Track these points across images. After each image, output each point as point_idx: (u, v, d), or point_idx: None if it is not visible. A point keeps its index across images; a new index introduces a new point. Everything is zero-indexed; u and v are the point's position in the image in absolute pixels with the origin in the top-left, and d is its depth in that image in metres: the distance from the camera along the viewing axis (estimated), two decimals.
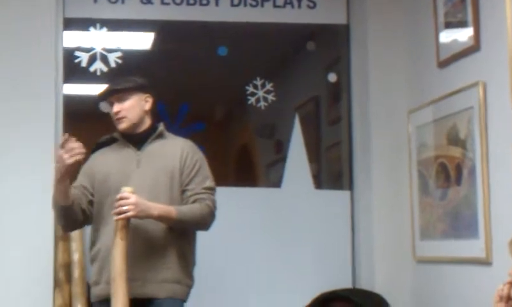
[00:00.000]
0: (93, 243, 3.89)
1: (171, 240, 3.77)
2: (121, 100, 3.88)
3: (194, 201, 3.80)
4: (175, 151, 3.87)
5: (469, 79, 4.07)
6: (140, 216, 3.62)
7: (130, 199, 3.58)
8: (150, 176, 3.81)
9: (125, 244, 3.58)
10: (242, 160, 5.35)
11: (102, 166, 3.87)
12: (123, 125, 3.88)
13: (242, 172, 5.32)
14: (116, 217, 3.59)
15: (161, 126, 3.97)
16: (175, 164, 3.82)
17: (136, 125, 3.90)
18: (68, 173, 3.67)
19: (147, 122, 3.94)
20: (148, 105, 3.93)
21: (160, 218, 3.69)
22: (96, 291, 3.82)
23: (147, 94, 3.93)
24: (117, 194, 3.66)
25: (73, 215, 3.80)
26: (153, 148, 3.89)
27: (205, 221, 3.82)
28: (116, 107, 3.88)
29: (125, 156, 3.88)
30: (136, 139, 3.90)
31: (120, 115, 3.87)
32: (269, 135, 5.33)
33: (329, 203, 5.08)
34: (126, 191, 3.62)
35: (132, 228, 3.67)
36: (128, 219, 3.61)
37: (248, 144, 5.37)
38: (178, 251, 3.80)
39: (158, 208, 3.67)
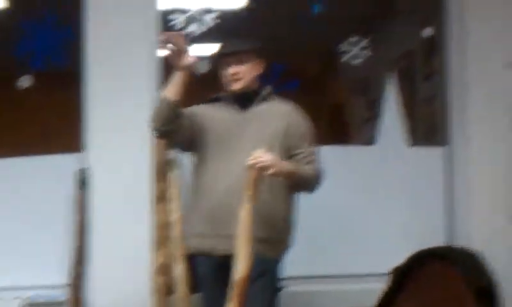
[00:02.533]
0: (194, 192, 3.95)
1: (264, 200, 3.76)
2: (241, 61, 3.90)
3: (306, 163, 3.85)
4: (280, 114, 3.90)
5: None
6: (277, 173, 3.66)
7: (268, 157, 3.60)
8: (253, 138, 3.83)
9: (251, 207, 3.56)
10: (336, 118, 5.36)
11: (209, 117, 3.92)
12: (238, 86, 3.91)
13: (336, 130, 5.32)
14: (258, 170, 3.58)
15: (268, 89, 3.99)
16: (278, 126, 3.86)
17: (248, 87, 3.94)
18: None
19: (254, 84, 3.97)
20: (260, 70, 3.97)
21: (288, 174, 3.74)
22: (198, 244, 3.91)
23: (261, 59, 3.97)
24: (218, 151, 3.77)
25: (176, 119, 3.77)
26: (259, 110, 3.92)
27: (316, 182, 3.88)
28: (235, 68, 3.89)
29: (232, 116, 3.92)
30: (243, 101, 3.93)
31: (238, 76, 3.90)
32: (363, 92, 5.31)
33: (424, 160, 5.05)
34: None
35: (227, 186, 3.75)
36: (258, 187, 3.60)
37: (342, 101, 5.37)
38: (271, 209, 3.82)
39: (287, 164, 3.74)
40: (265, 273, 3.78)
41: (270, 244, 3.82)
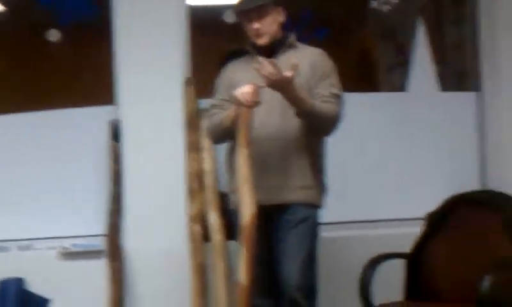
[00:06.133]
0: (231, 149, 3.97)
1: (304, 147, 3.82)
2: (261, 16, 3.87)
3: (323, 102, 3.80)
4: (305, 59, 3.86)
5: None
6: (277, 84, 3.62)
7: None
8: None
9: (248, 151, 3.61)
10: (365, 65, 5.33)
11: (238, 78, 3.90)
12: (263, 40, 3.89)
13: (364, 76, 5.29)
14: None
15: (292, 37, 3.97)
16: (305, 72, 3.83)
17: (272, 39, 3.91)
18: None
19: (279, 33, 3.95)
20: (281, 18, 3.94)
21: (295, 97, 3.68)
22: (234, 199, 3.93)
23: (280, 7, 3.94)
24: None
25: (230, 133, 3.86)
26: (285, 58, 3.88)
27: (332, 123, 3.82)
28: (257, 24, 3.86)
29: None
30: (269, 51, 3.90)
31: (261, 31, 3.87)
32: (391, 38, 5.27)
33: (457, 105, 5.01)
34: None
35: (267, 136, 3.76)
36: (250, 127, 3.62)
37: (371, 48, 5.33)
38: (310, 157, 3.85)
39: (297, 89, 3.67)
40: (307, 219, 3.83)
41: (310, 190, 3.85)
